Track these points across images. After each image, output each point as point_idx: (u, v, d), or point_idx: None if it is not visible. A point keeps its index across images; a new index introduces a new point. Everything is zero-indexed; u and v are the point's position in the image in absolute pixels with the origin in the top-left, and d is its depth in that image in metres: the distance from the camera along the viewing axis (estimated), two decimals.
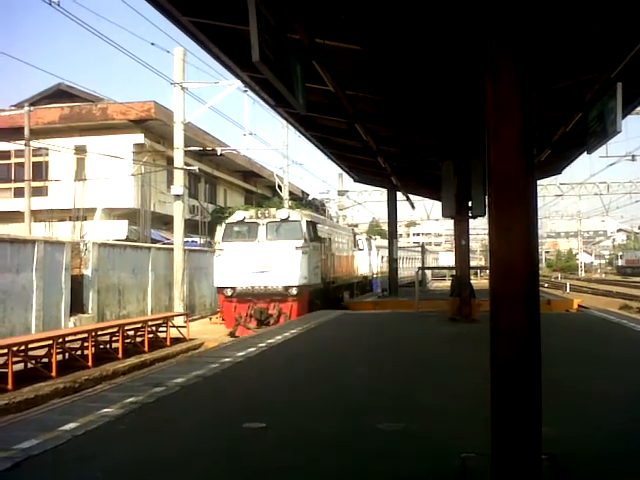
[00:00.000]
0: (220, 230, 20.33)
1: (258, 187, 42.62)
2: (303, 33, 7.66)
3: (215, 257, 19.86)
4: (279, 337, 12.37)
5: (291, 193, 36.45)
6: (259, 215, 19.68)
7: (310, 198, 43.64)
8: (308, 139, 16.32)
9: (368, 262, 32.24)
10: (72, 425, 5.69)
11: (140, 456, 4.94)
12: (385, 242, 39.61)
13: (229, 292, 18.90)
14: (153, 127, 28.15)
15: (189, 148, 23.95)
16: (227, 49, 9.23)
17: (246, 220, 19.66)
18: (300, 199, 41.85)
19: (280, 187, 34.45)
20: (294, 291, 18.50)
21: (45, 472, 4.63)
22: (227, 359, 9.57)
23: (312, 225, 20.18)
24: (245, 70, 10.10)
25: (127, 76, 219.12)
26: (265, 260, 18.69)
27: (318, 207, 41.14)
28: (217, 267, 19.55)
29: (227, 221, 20.37)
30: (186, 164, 23.47)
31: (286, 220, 19.39)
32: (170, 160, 25.85)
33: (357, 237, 31.02)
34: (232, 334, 18.38)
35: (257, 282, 18.71)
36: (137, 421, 5.96)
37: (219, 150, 28.25)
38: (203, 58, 52.67)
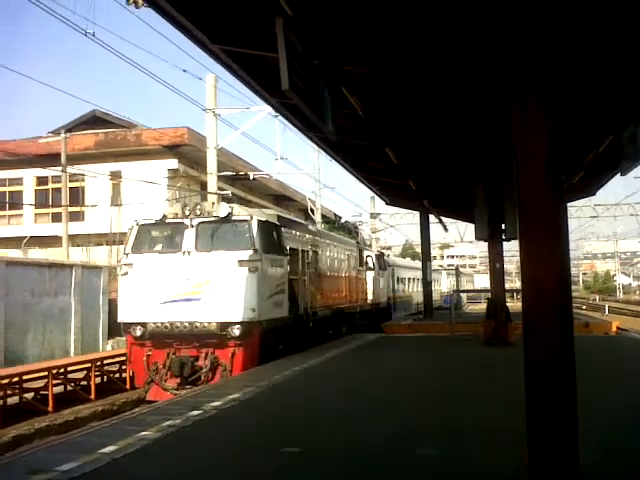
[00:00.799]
0: (130, 235, 13.78)
1: (291, 211, 42.80)
2: (331, 60, 7.76)
3: (120, 276, 13.78)
4: (321, 357, 12.41)
5: (324, 216, 36.55)
6: (187, 212, 13.23)
7: (343, 221, 43.69)
8: (339, 163, 16.37)
9: (380, 285, 26.26)
10: (111, 448, 5.81)
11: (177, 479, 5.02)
12: (402, 260, 39.19)
13: (138, 331, 12.70)
14: (187, 153, 28.58)
15: (222, 173, 24.19)
16: (256, 76, 9.36)
17: (168, 220, 13.41)
18: (333, 222, 41.93)
19: (312, 211, 34.59)
20: (236, 331, 12.27)
21: None
22: (263, 382, 9.62)
23: (271, 228, 13.93)
24: (275, 96, 10.21)
25: (160, 102, 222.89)
26: (193, 281, 12.62)
27: (351, 230, 41.15)
28: (122, 292, 13.43)
29: (140, 222, 13.81)
30: (219, 189, 23.68)
31: (227, 220, 13.08)
32: (204, 185, 26.16)
33: (365, 253, 24.82)
34: (144, 399, 12.67)
35: (180, 316, 12.46)
36: (175, 444, 6.04)
37: (251, 175, 28.51)
38: (234, 84, 53.38)
